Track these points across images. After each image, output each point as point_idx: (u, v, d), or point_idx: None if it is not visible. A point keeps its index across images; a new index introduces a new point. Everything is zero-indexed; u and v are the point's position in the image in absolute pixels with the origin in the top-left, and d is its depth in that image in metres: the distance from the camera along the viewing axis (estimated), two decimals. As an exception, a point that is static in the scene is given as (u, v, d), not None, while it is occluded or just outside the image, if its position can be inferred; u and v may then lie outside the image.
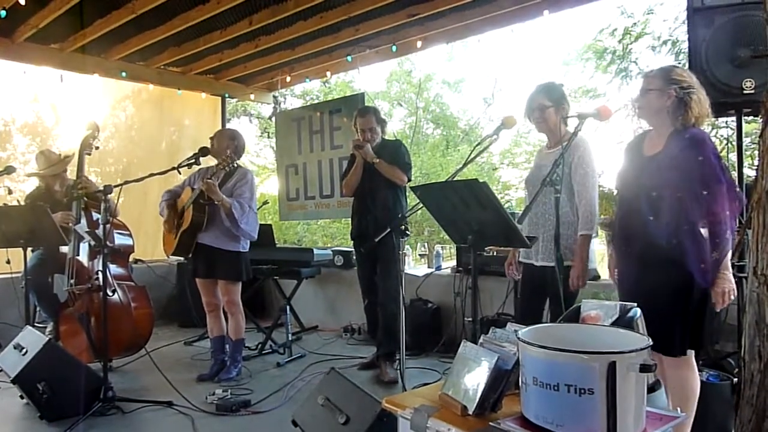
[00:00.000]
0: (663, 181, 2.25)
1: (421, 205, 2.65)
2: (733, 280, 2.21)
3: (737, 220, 2.35)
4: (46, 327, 4.42)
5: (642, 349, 1.45)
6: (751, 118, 3.49)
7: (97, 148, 4.21)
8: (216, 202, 3.72)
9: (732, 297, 2.20)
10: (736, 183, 2.35)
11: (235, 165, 3.90)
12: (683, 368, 2.28)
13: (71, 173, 4.37)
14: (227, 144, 3.91)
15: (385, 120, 4.14)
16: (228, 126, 7.30)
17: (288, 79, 6.44)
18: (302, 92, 13.51)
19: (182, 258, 4.68)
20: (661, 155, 2.32)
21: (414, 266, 6.36)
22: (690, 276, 2.19)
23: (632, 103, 2.42)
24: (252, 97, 7.12)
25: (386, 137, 4.17)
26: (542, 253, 2.91)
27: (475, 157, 2.89)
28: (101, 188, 3.42)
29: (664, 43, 7.40)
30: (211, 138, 4.00)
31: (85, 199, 4.04)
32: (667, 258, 2.22)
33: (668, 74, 2.34)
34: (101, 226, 3.30)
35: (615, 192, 2.65)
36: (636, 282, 2.34)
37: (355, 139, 4.03)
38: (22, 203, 4.38)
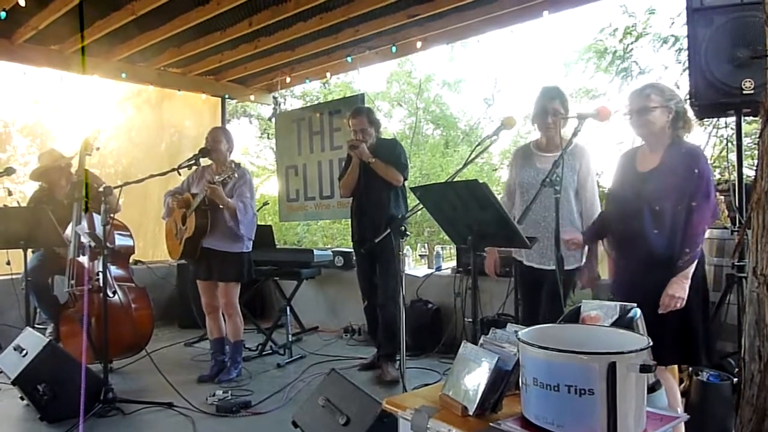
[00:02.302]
0: (664, 194, 2.30)
1: (421, 205, 2.65)
2: (687, 291, 2.26)
3: (736, 221, 2.37)
4: (46, 328, 4.42)
5: (642, 350, 1.46)
6: (750, 118, 3.49)
7: (98, 148, 4.22)
8: (220, 206, 3.73)
9: (678, 306, 2.25)
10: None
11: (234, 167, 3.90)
12: (665, 372, 2.31)
13: (74, 167, 4.35)
14: (227, 147, 3.93)
15: (379, 121, 4.12)
16: (227, 127, 7.29)
17: (288, 80, 6.43)
18: (302, 93, 13.49)
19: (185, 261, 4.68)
20: (660, 168, 2.36)
21: (414, 267, 6.36)
22: (695, 282, 2.26)
23: (631, 122, 2.42)
24: (252, 98, 7.11)
25: (383, 137, 4.17)
26: (537, 254, 2.98)
27: (475, 157, 2.89)
28: (101, 188, 3.42)
29: (665, 41, 7.37)
30: (206, 137, 3.98)
31: (86, 200, 4.04)
32: (673, 270, 2.27)
33: (663, 90, 2.39)
34: (101, 227, 3.30)
35: (609, 200, 2.67)
36: (645, 295, 2.31)
37: (351, 139, 4.02)
38: (25, 205, 4.38)
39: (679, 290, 2.25)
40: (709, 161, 2.40)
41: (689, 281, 2.26)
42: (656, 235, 2.31)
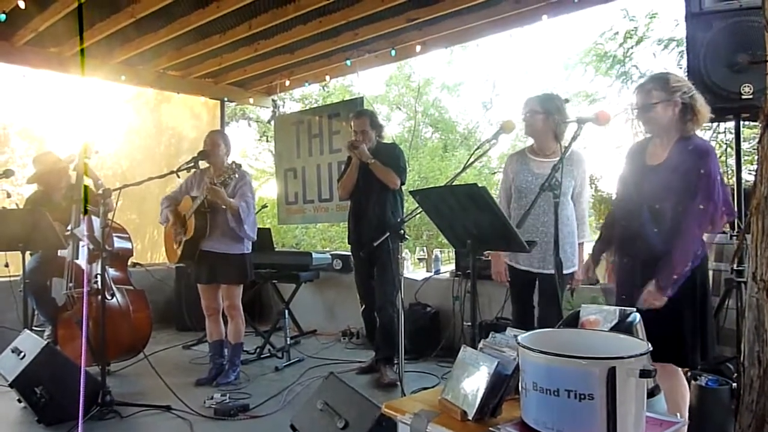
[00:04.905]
0: (666, 193, 2.25)
1: (420, 209, 2.65)
2: (664, 301, 2.22)
3: (735, 226, 2.35)
4: (44, 330, 4.41)
5: (642, 355, 1.45)
6: (750, 123, 3.49)
7: (96, 152, 4.21)
8: (223, 207, 3.72)
9: (655, 305, 2.21)
10: (730, 198, 2.34)
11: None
12: (671, 379, 2.30)
13: (72, 170, 4.34)
14: (225, 150, 3.93)
15: (382, 125, 4.12)
16: (227, 130, 7.29)
17: (287, 83, 6.44)
18: (301, 96, 13.51)
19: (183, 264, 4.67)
20: (664, 165, 2.32)
21: (413, 270, 6.36)
22: (693, 284, 2.23)
23: (636, 119, 2.41)
24: (251, 101, 7.12)
25: (383, 141, 4.17)
26: (536, 258, 3.01)
27: (473, 161, 2.89)
28: (101, 191, 3.42)
29: (666, 46, 7.39)
30: (204, 141, 3.99)
31: (85, 202, 4.03)
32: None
33: (667, 83, 2.32)
34: (100, 230, 3.30)
35: (615, 198, 2.66)
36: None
37: (351, 139, 4.01)
38: (22, 207, 4.36)
39: (657, 296, 2.19)
40: (718, 162, 2.31)
41: (671, 291, 2.18)
42: (656, 234, 2.25)
